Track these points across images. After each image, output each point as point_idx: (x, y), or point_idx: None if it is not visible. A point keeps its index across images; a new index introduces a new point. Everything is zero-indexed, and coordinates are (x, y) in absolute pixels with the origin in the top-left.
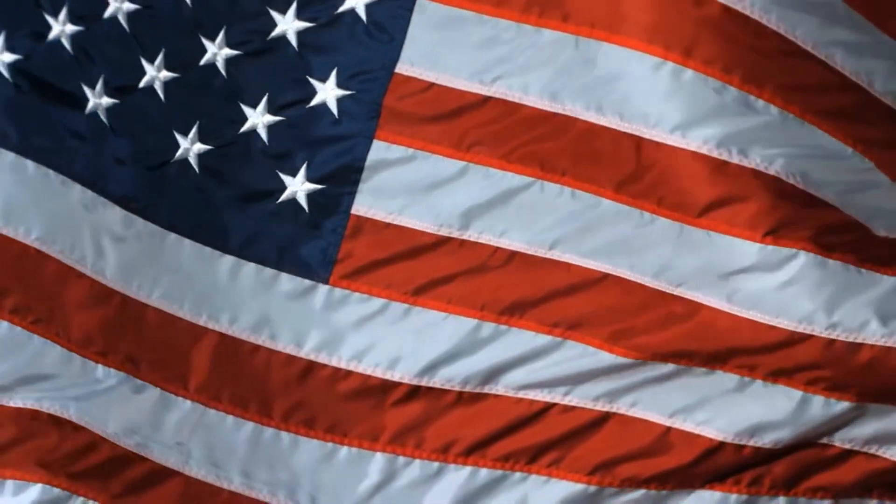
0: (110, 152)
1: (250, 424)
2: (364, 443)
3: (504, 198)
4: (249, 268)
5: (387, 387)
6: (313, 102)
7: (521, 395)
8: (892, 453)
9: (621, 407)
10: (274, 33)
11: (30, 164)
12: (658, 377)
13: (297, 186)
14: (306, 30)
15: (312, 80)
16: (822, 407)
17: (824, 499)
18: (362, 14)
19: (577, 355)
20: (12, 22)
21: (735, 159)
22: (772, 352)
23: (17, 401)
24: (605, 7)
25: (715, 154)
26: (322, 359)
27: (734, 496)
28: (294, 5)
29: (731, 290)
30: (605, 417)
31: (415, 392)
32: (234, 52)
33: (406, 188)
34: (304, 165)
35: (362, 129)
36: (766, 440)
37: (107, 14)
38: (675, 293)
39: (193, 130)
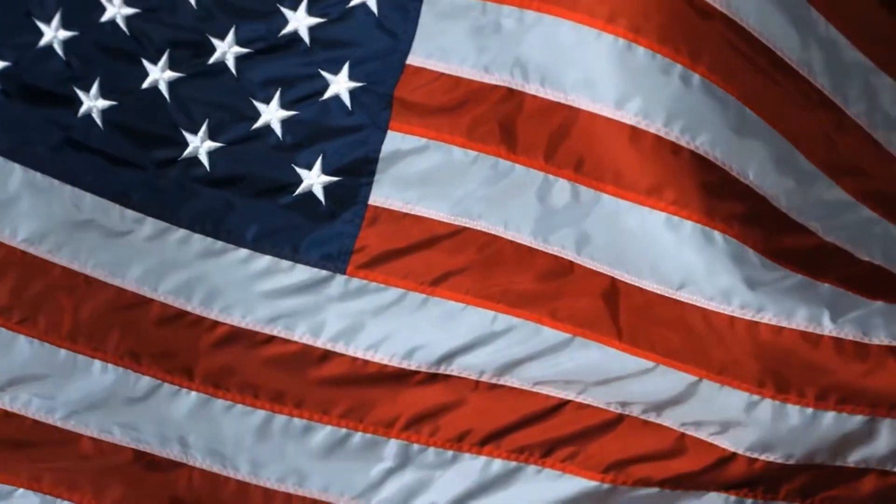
0: (106, 152)
1: (261, 412)
2: (379, 429)
3: (513, 189)
4: (264, 260)
5: (403, 375)
6: (326, 95)
7: (536, 389)
8: None
9: (634, 410)
10: (286, 30)
11: (17, 168)
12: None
13: (314, 179)
14: (318, 25)
15: (325, 74)
16: (834, 422)
17: None
18: (374, 7)
19: (588, 353)
20: (1, 30)
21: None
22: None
23: (6, 402)
24: None
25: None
26: (339, 348)
27: (749, 500)
28: (305, 1)
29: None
30: (619, 419)
31: (431, 380)
32: (245, 50)
33: (421, 178)
34: (320, 158)
35: (376, 120)
36: (777, 455)
37: (104, 18)
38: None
39: (203, 129)
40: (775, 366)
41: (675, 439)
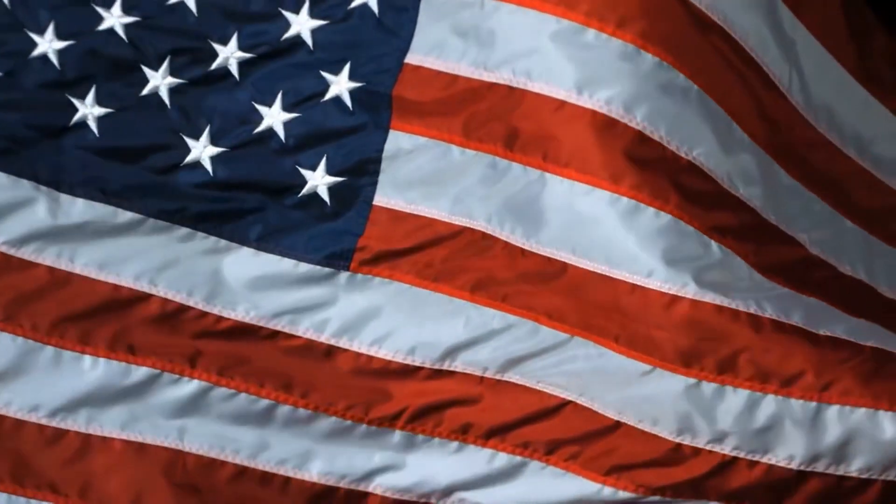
0: (101, 158)
1: (265, 401)
2: (384, 422)
3: (511, 188)
4: (268, 259)
5: (408, 371)
6: (327, 96)
7: (539, 386)
8: None
9: (630, 418)
10: (288, 34)
11: (1, 175)
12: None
13: (318, 180)
14: (320, 27)
15: (326, 75)
16: (837, 416)
17: None
18: (374, 7)
19: (586, 355)
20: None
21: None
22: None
23: None
24: None
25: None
26: (343, 344)
27: None
28: (307, 4)
29: None
30: (616, 425)
31: (437, 376)
32: (248, 55)
33: (423, 177)
34: (324, 159)
35: (377, 120)
36: (780, 456)
37: (101, 27)
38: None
39: (205, 134)
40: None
41: (672, 448)
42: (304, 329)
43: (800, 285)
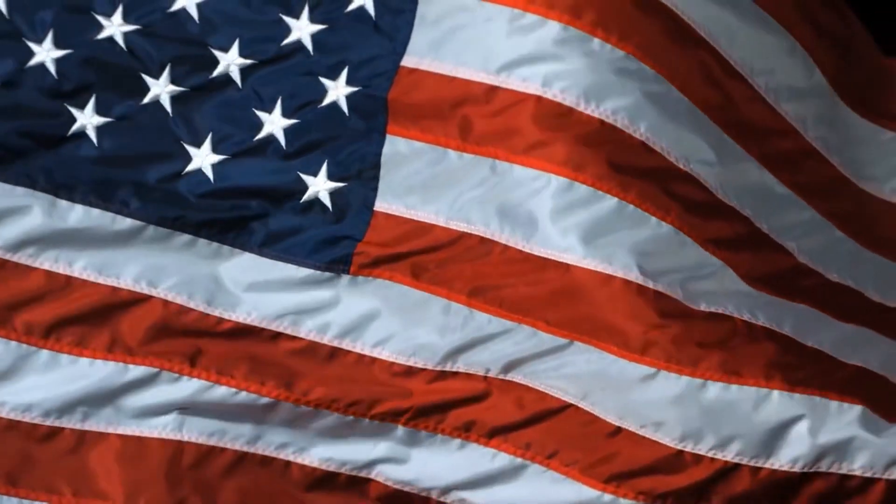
0: (99, 167)
1: (266, 399)
2: (387, 418)
3: (512, 192)
4: (270, 264)
5: (412, 372)
6: (325, 102)
7: (542, 388)
8: None
9: (631, 425)
10: (288, 39)
11: None
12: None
13: (320, 186)
14: (319, 32)
15: (324, 80)
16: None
17: None
18: (371, 10)
19: (587, 360)
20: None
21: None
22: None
23: None
24: None
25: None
26: (346, 345)
27: None
28: (307, 9)
29: None
30: (617, 431)
31: (441, 377)
32: (249, 61)
33: (422, 182)
34: (325, 165)
35: (374, 124)
36: (783, 460)
37: (100, 36)
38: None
39: (207, 142)
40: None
41: (674, 454)
42: (307, 331)
43: (790, 293)
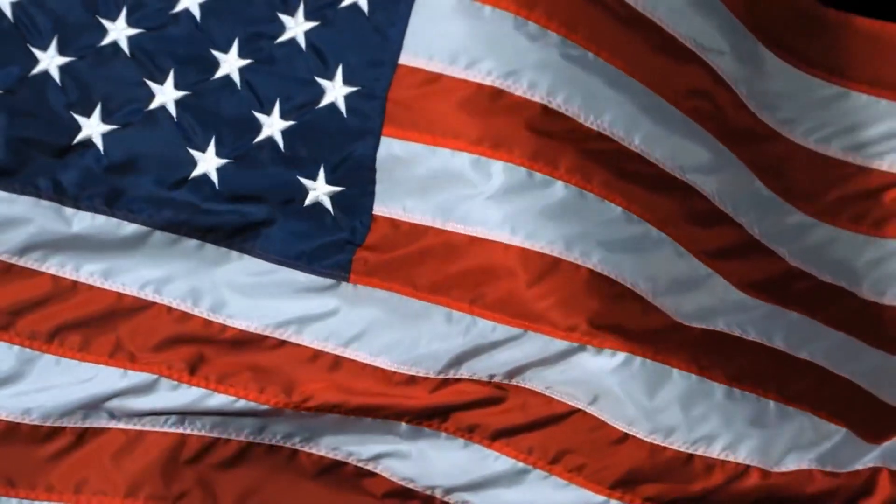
0: (106, 174)
1: (265, 406)
2: (389, 418)
3: (516, 195)
4: (273, 269)
5: (415, 380)
6: (322, 103)
7: (548, 393)
8: None
9: (640, 431)
10: (283, 37)
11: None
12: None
13: (320, 190)
14: (313, 29)
15: (320, 80)
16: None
17: None
18: (364, 7)
19: (595, 361)
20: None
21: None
22: None
23: None
24: None
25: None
26: (349, 354)
27: None
28: (301, 6)
29: None
30: (624, 438)
31: (443, 385)
32: (247, 62)
33: (419, 184)
34: (322, 168)
35: (371, 125)
36: (789, 465)
37: (104, 42)
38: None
39: (211, 146)
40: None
41: (684, 459)
42: (310, 340)
43: (783, 300)
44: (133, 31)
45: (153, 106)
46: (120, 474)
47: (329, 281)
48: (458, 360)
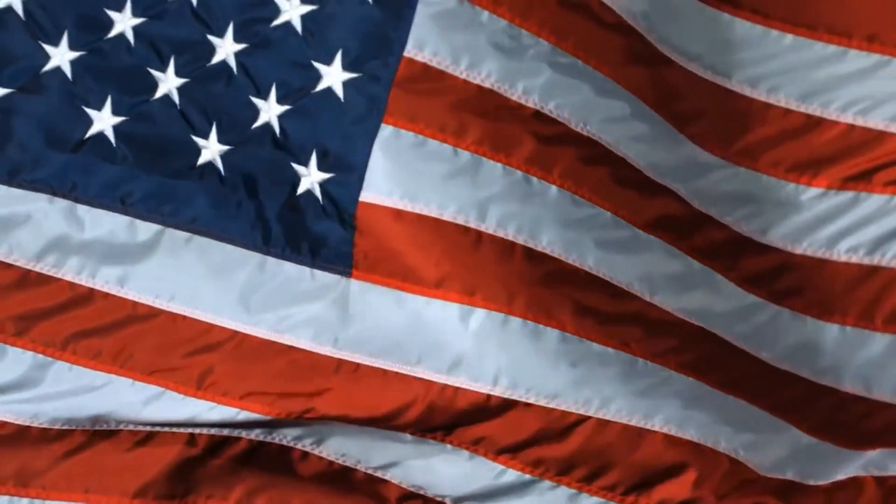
0: (119, 166)
1: (269, 417)
2: (395, 428)
3: (513, 190)
4: (275, 265)
5: (419, 383)
6: (319, 88)
7: (554, 404)
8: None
9: (655, 424)
10: (279, 20)
11: (14, 191)
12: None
13: (311, 177)
14: (310, 13)
15: (317, 65)
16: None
17: None
18: None
19: (601, 360)
20: (6, 57)
21: None
22: None
23: None
24: None
25: None
26: (346, 356)
27: None
28: None
29: None
30: (640, 433)
31: (442, 391)
32: (243, 46)
33: (417, 175)
34: (314, 154)
35: (370, 113)
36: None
37: (112, 34)
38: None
39: (213, 133)
40: None
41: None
42: (312, 343)
43: (777, 295)
44: (137, 21)
45: (158, 95)
46: (129, 473)
47: (329, 276)
48: (461, 361)
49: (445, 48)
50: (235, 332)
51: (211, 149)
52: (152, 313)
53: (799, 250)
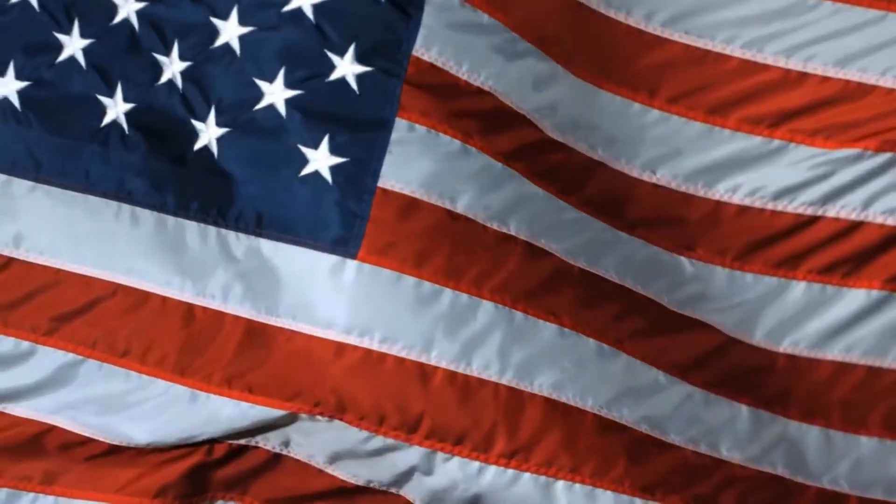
0: (131, 154)
1: (279, 412)
2: (401, 434)
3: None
4: (275, 247)
5: (424, 373)
6: (332, 77)
7: (555, 396)
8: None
9: (654, 430)
10: (289, 7)
11: (28, 184)
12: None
13: (320, 160)
14: (322, 4)
15: (330, 55)
16: None
17: None
18: None
19: (590, 353)
20: (23, 48)
21: None
22: None
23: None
24: None
25: None
26: (352, 340)
27: None
28: None
29: None
30: (643, 438)
31: (451, 381)
32: (249, 29)
33: (430, 166)
34: (326, 139)
35: (385, 105)
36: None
37: (117, 20)
38: None
39: (211, 115)
40: None
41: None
42: (313, 327)
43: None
44: (139, 5)
45: (163, 80)
46: (149, 476)
47: (334, 258)
48: (470, 349)
49: (450, 53)
50: (237, 317)
51: (209, 132)
52: (169, 306)
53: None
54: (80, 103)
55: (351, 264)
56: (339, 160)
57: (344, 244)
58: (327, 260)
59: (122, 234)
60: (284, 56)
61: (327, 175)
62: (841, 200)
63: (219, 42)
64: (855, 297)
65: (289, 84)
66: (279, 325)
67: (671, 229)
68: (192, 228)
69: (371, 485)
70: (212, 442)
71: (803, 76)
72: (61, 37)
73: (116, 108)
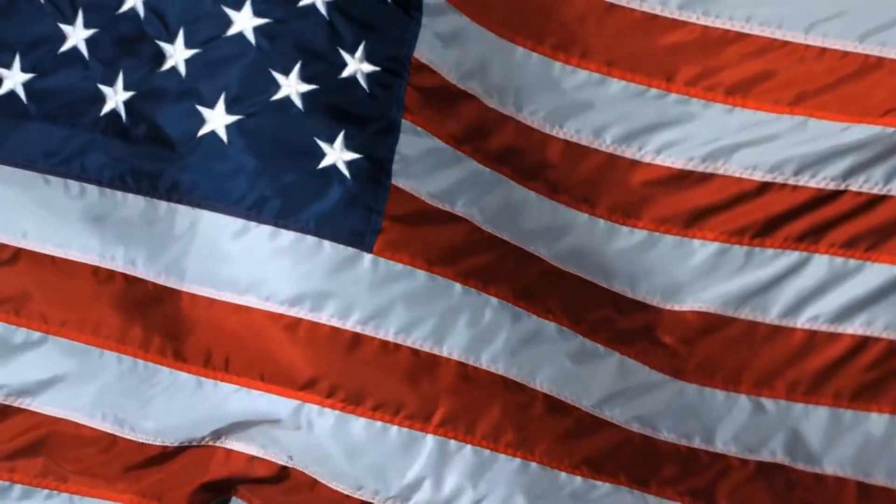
0: (128, 145)
1: (292, 402)
2: (416, 423)
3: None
4: (289, 237)
5: (437, 364)
6: (344, 74)
7: (561, 396)
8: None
9: (646, 429)
10: (303, 1)
11: (29, 174)
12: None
13: (337, 154)
14: (334, 2)
15: (343, 52)
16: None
17: None
18: None
19: (590, 352)
20: (27, 40)
21: None
22: None
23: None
24: None
25: None
26: (369, 331)
27: None
28: None
29: None
30: (646, 440)
31: (462, 372)
32: (263, 21)
33: (439, 167)
34: (342, 134)
35: (393, 106)
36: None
37: (122, 9)
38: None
39: (220, 102)
40: None
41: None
42: (328, 316)
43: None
44: None
45: (165, 67)
46: (163, 477)
47: (350, 251)
48: (481, 342)
49: (446, 63)
50: (238, 306)
51: (217, 118)
52: (168, 295)
53: None
54: (81, 93)
55: (367, 258)
56: (354, 156)
57: (360, 238)
58: (344, 252)
59: (113, 218)
60: (300, 50)
61: (344, 170)
62: (863, 175)
63: (231, 31)
64: (879, 272)
65: (304, 78)
66: (291, 314)
67: (681, 209)
68: (202, 216)
69: (377, 499)
70: (225, 448)
71: (823, 52)
72: (65, 27)
73: (116, 98)
